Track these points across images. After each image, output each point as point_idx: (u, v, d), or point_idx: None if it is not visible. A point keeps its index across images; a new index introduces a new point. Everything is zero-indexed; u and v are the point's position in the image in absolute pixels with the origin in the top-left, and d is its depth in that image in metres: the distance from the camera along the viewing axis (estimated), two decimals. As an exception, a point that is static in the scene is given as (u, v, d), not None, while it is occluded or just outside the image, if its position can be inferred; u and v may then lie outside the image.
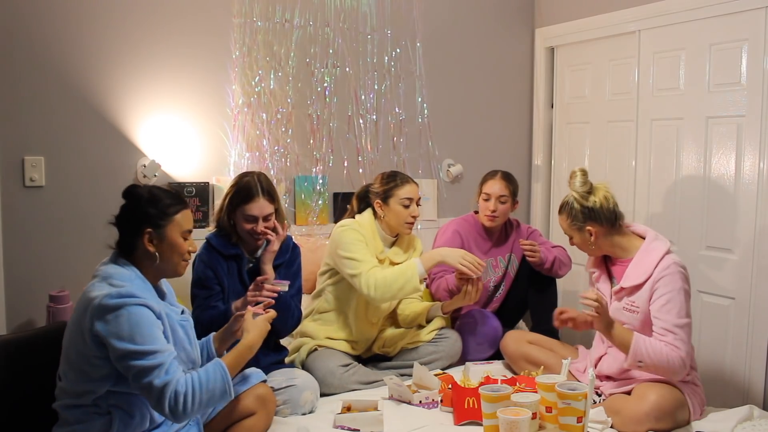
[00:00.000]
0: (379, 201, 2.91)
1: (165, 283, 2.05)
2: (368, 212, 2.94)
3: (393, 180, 2.91)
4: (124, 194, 1.95)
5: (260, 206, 2.50)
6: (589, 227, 2.44)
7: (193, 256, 2.06)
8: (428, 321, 2.99)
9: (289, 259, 2.67)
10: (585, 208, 2.44)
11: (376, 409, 2.34)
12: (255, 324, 2.06)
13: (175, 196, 1.98)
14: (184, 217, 1.95)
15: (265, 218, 2.52)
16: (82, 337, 1.78)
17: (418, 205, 2.92)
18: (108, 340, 1.73)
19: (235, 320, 2.12)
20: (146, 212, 1.90)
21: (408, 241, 3.02)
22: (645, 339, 2.27)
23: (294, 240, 2.78)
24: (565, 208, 2.51)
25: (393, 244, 2.97)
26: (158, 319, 1.81)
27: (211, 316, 2.44)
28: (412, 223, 2.92)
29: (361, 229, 2.83)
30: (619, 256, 2.47)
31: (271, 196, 2.55)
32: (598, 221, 2.43)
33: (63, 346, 1.86)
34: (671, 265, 2.32)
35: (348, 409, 2.35)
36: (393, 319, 3.08)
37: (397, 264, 2.88)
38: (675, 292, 2.30)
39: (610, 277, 2.52)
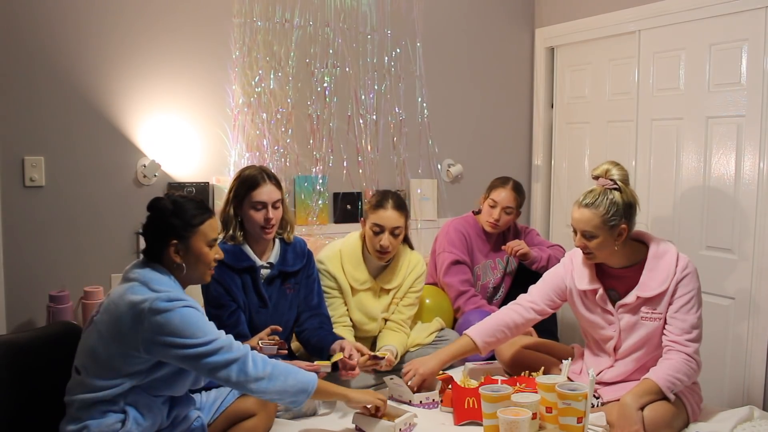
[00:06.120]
0: (363, 218, 2.78)
1: None
2: (359, 232, 2.82)
3: (376, 200, 2.71)
4: (148, 207, 1.96)
5: (268, 191, 2.43)
6: (623, 225, 2.24)
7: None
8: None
9: (306, 265, 2.61)
10: (626, 202, 2.24)
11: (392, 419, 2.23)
12: (366, 391, 2.19)
13: (200, 206, 1.97)
14: (209, 227, 1.96)
15: (274, 205, 2.44)
16: (123, 337, 1.79)
17: (395, 236, 2.67)
18: (166, 339, 1.77)
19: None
20: (171, 224, 1.91)
21: (401, 262, 2.81)
22: (661, 374, 2.17)
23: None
24: (602, 201, 2.23)
25: (386, 268, 2.79)
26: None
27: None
28: (383, 253, 2.70)
29: (337, 263, 2.71)
30: (620, 263, 2.33)
31: (278, 182, 2.50)
32: (630, 220, 2.26)
33: (85, 343, 1.87)
34: (689, 265, 2.25)
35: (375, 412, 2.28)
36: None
37: (389, 290, 2.78)
38: (694, 292, 2.24)
39: (606, 290, 2.37)
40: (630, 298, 2.29)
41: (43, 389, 1.94)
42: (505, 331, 2.51)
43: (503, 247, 3.18)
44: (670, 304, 2.26)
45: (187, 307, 1.82)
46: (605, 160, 2.40)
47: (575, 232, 2.32)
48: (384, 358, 2.49)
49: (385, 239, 2.66)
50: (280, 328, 2.21)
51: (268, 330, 2.20)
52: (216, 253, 2.00)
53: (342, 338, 2.52)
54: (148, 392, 1.86)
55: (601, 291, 2.35)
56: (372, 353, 2.51)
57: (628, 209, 2.25)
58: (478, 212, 3.28)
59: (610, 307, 2.35)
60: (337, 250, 2.78)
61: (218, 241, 2.45)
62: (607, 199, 2.24)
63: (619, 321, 2.33)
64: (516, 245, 3.12)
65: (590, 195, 2.27)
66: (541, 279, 2.59)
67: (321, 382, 1.99)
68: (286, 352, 2.23)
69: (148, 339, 1.78)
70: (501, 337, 2.52)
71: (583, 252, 2.34)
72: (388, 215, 2.66)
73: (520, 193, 3.20)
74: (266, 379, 1.86)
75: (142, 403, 1.85)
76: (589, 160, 3.78)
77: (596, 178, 2.32)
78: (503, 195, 3.15)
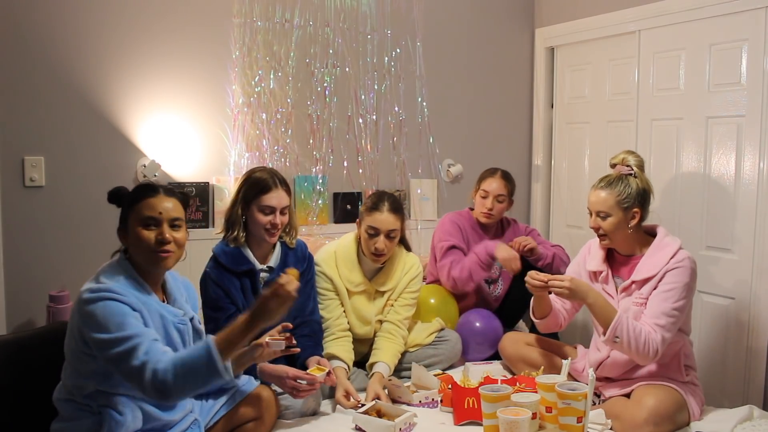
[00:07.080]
0: (358, 219, 2.75)
1: (178, 286, 2.01)
2: (354, 233, 2.80)
3: (372, 202, 2.68)
4: (108, 198, 1.94)
5: (278, 197, 2.41)
6: (636, 209, 2.37)
7: (175, 247, 1.88)
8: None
9: (306, 269, 2.59)
10: (641, 188, 2.38)
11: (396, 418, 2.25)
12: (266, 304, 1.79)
13: (144, 187, 1.92)
14: (146, 205, 1.85)
15: (282, 211, 2.43)
16: (72, 333, 1.80)
17: (390, 239, 2.63)
18: (88, 334, 1.73)
19: (254, 348, 2.05)
20: (122, 210, 1.91)
21: (396, 264, 2.78)
22: (629, 318, 2.27)
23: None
24: (617, 183, 2.38)
25: (381, 270, 2.75)
26: (135, 311, 1.77)
27: None
28: (378, 256, 2.66)
29: (332, 264, 2.68)
30: (631, 251, 2.44)
31: (288, 188, 2.49)
32: (644, 206, 2.39)
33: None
34: (685, 259, 2.31)
35: (377, 412, 2.29)
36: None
37: (384, 292, 2.75)
38: (680, 285, 2.28)
39: (613, 276, 2.48)
40: (627, 282, 2.40)
41: (42, 389, 1.94)
42: (559, 312, 2.60)
43: (510, 243, 3.18)
44: (654, 288, 2.32)
45: (112, 300, 1.73)
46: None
47: (591, 214, 2.44)
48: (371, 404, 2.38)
49: (381, 242, 2.63)
50: (291, 326, 2.17)
51: (279, 327, 2.16)
52: (158, 235, 1.84)
53: (320, 357, 2.47)
54: (118, 393, 1.80)
55: (605, 272, 2.48)
56: (360, 401, 2.42)
57: (642, 194, 2.39)
58: (474, 209, 3.30)
59: (611, 289, 2.45)
60: (332, 251, 2.76)
61: (221, 240, 2.46)
62: (622, 183, 2.39)
63: (617, 305, 2.40)
64: (523, 240, 3.13)
65: (606, 179, 2.43)
66: None
67: (219, 345, 1.71)
68: (298, 350, 2.17)
69: (81, 330, 1.75)
70: (555, 317, 2.60)
71: (596, 233, 2.46)
72: (384, 218, 2.63)
73: (509, 180, 3.23)
74: (169, 396, 1.70)
75: (117, 403, 1.80)
76: (589, 160, 3.78)
77: (613, 165, 2.47)
78: (494, 185, 3.18)
